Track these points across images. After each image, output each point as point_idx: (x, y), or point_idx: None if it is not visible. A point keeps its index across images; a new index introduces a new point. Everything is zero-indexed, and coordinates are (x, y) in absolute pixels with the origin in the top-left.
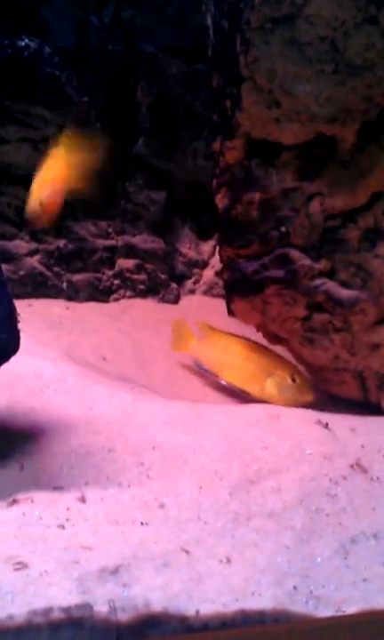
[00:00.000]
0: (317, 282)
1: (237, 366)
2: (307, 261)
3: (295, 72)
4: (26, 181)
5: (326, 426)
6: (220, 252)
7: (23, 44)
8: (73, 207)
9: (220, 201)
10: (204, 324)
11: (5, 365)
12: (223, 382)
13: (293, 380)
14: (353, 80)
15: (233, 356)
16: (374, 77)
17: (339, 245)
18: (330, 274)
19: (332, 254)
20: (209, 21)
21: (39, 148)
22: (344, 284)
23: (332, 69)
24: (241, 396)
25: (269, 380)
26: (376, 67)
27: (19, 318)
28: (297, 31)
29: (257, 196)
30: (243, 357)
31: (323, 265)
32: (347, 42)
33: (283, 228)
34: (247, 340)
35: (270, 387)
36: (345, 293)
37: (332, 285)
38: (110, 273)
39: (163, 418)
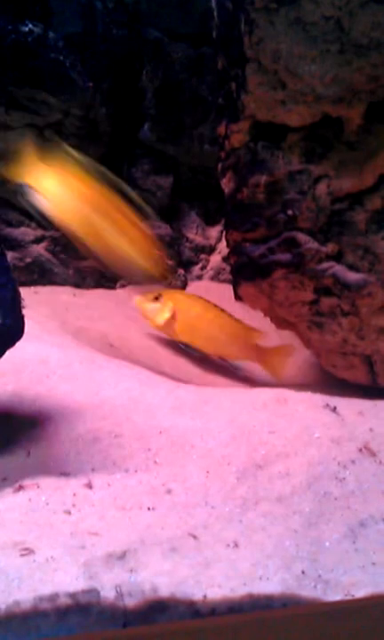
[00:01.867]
0: (325, 265)
1: None
2: (314, 245)
3: (300, 52)
4: None
5: (334, 410)
6: (226, 236)
7: (27, 29)
8: None
9: (226, 185)
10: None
11: (11, 352)
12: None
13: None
14: (359, 60)
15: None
16: (380, 57)
17: (346, 228)
18: (337, 257)
19: (340, 237)
20: (213, 3)
21: (44, 135)
22: (351, 268)
23: (337, 49)
24: (247, 380)
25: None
26: (382, 46)
27: (24, 304)
28: (302, 11)
29: (263, 179)
30: None
31: (330, 248)
32: (352, 21)
33: (289, 212)
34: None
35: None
36: (352, 277)
37: (339, 269)
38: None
39: (170, 403)
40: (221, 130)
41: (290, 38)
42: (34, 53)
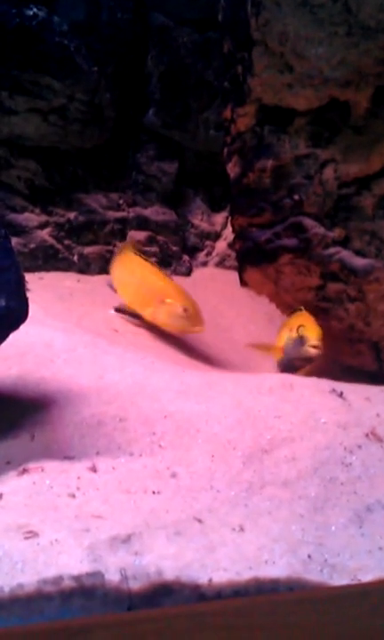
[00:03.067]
0: (331, 250)
1: (135, 288)
2: (320, 230)
3: (307, 35)
4: (36, 153)
5: (341, 395)
6: (232, 221)
7: (31, 13)
8: (83, 179)
9: (232, 169)
10: (130, 242)
11: (16, 335)
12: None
13: (185, 311)
14: (366, 42)
15: (135, 278)
16: None
17: (353, 213)
18: (344, 242)
19: (346, 222)
20: None
21: (48, 119)
22: (358, 253)
23: (344, 32)
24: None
25: (162, 307)
26: None
27: (28, 288)
28: None
29: (269, 163)
30: (141, 281)
31: (337, 233)
32: (360, 3)
33: (296, 196)
34: (153, 267)
35: (161, 313)
36: (359, 262)
37: (346, 254)
38: (122, 245)
39: (175, 387)
40: (227, 114)
41: (297, 20)
42: (38, 37)
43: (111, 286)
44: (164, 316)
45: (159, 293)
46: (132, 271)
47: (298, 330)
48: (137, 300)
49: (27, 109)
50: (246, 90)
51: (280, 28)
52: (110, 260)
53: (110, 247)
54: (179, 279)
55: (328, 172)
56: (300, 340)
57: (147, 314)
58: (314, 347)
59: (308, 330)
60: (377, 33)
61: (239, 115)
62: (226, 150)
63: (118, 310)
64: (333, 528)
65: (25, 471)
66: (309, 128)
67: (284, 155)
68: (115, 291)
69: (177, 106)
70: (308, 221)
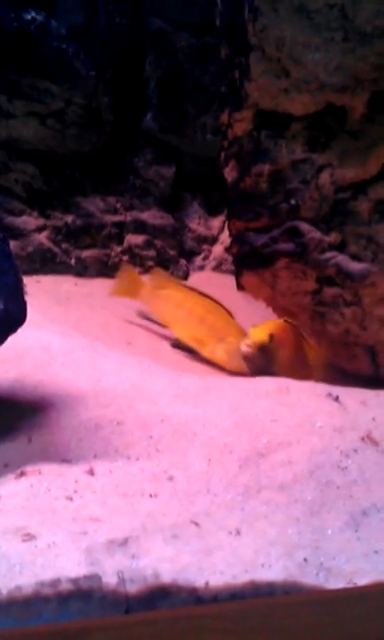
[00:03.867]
0: (328, 255)
1: (191, 324)
2: (317, 234)
3: (304, 40)
4: (34, 157)
5: (337, 399)
6: (228, 225)
7: (29, 17)
8: (81, 183)
9: (229, 174)
10: (157, 269)
11: (13, 339)
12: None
13: None
14: (363, 48)
15: (188, 313)
16: None
17: (349, 218)
18: (340, 247)
19: (343, 227)
20: None
21: (46, 123)
22: (354, 257)
23: (341, 37)
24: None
25: (221, 345)
26: None
27: (26, 292)
28: None
29: (266, 167)
30: (197, 317)
31: (333, 238)
32: (356, 9)
33: (292, 201)
34: (202, 296)
35: (220, 351)
36: (355, 266)
37: (342, 258)
38: (119, 249)
39: (172, 391)
40: (224, 118)
41: (294, 26)
42: (36, 42)
43: (144, 315)
44: (223, 354)
45: (219, 331)
46: (181, 305)
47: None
48: (195, 337)
49: (25, 113)
50: (243, 95)
51: (277, 34)
52: (108, 263)
53: (108, 251)
54: None
55: (324, 177)
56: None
57: (206, 351)
58: (247, 345)
59: (255, 331)
60: (373, 39)
61: (236, 119)
62: (223, 155)
63: (175, 346)
64: (329, 531)
65: (22, 474)
66: (306, 133)
67: (281, 159)
68: (147, 318)
69: (174, 110)
70: (304, 226)
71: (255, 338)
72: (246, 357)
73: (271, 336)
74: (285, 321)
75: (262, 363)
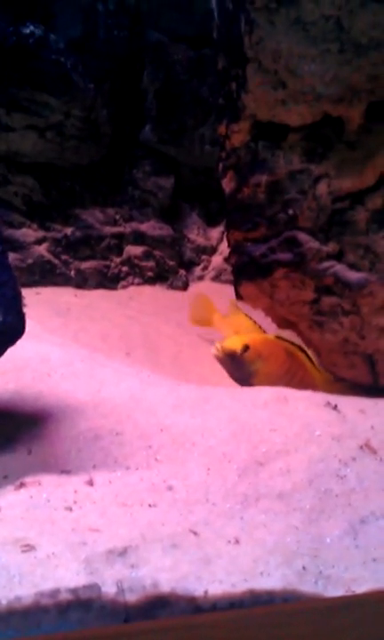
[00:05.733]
0: (326, 264)
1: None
2: (315, 244)
3: (300, 52)
4: (33, 169)
5: (335, 407)
6: (227, 235)
7: (28, 31)
8: (80, 195)
9: (227, 184)
10: (233, 300)
11: (13, 350)
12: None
13: None
14: (359, 59)
15: (284, 371)
16: (380, 56)
17: (347, 227)
18: (338, 256)
19: (340, 236)
20: (213, 3)
21: (45, 136)
22: (352, 267)
23: (337, 49)
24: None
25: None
26: (382, 45)
27: (26, 305)
28: (302, 10)
29: (264, 178)
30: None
31: (331, 247)
32: (352, 20)
33: (290, 211)
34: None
35: None
36: (353, 276)
37: (340, 268)
38: (118, 260)
39: (171, 401)
40: (222, 130)
41: (290, 38)
42: (35, 55)
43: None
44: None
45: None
46: (280, 363)
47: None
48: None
49: (24, 126)
50: (240, 106)
51: (273, 46)
52: (107, 274)
53: (107, 262)
54: (175, 293)
55: (322, 187)
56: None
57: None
58: (216, 348)
59: (232, 338)
60: (369, 50)
61: (233, 131)
62: (221, 165)
63: None
64: (328, 540)
65: (22, 485)
66: (303, 143)
67: (279, 170)
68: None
69: (173, 122)
70: (302, 236)
71: (226, 344)
72: (218, 361)
73: (245, 346)
74: (278, 337)
75: (234, 371)
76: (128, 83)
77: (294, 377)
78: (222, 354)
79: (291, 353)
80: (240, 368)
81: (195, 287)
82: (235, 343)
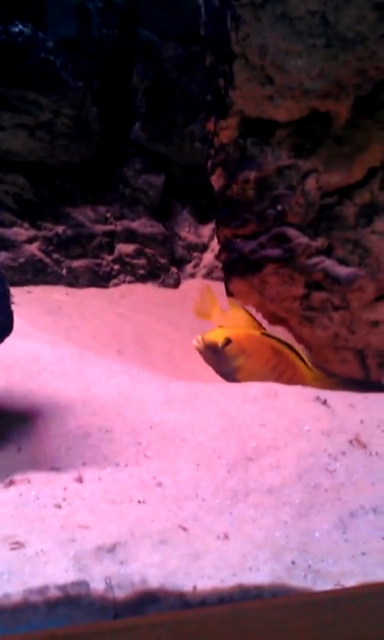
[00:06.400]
0: (315, 260)
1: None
2: (304, 239)
3: (287, 47)
4: (23, 168)
5: (325, 402)
6: (217, 232)
7: (17, 29)
8: (71, 193)
9: (216, 181)
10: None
11: (2, 348)
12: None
13: None
14: (345, 54)
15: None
16: (366, 50)
17: (335, 222)
18: (327, 251)
19: (329, 232)
20: (201, 0)
21: (35, 134)
22: (342, 262)
23: (323, 43)
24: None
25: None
26: (368, 39)
27: (17, 303)
28: (287, 6)
29: (252, 174)
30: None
31: (320, 243)
32: (337, 15)
33: (279, 207)
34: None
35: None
36: (343, 271)
37: (329, 263)
38: (110, 258)
39: (160, 398)
40: (210, 126)
41: (276, 33)
42: (24, 54)
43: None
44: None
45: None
46: (265, 360)
47: None
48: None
49: (13, 125)
50: (228, 102)
51: (260, 42)
52: (99, 272)
53: (99, 260)
54: (167, 291)
55: (310, 183)
56: None
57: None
58: (196, 339)
59: (215, 330)
60: (355, 44)
61: (222, 127)
62: (209, 162)
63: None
64: (317, 534)
65: (11, 483)
66: (291, 139)
67: (267, 166)
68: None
69: (162, 119)
70: (291, 231)
71: (207, 336)
72: (199, 352)
73: (227, 340)
74: (263, 334)
75: (217, 365)
76: (118, 81)
77: (282, 375)
78: (203, 345)
79: (277, 350)
80: (222, 362)
81: (186, 284)
82: (216, 336)
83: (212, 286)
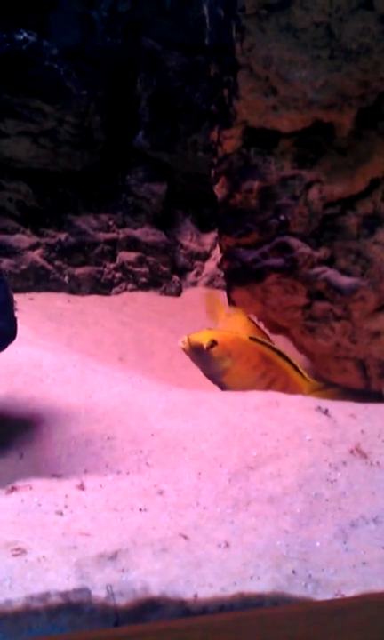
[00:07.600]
0: (317, 270)
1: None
2: (306, 249)
3: (291, 58)
4: (26, 175)
5: (326, 412)
6: (219, 241)
7: (21, 37)
8: (73, 201)
9: (219, 190)
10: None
11: (5, 355)
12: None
13: None
14: (349, 65)
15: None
16: (370, 62)
17: (338, 233)
18: (329, 261)
19: (332, 242)
20: (205, 10)
21: (39, 142)
22: (344, 272)
23: (327, 55)
24: None
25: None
26: (372, 51)
27: (19, 310)
28: (292, 17)
29: (255, 184)
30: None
31: (322, 253)
32: (342, 27)
33: (282, 217)
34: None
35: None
36: (345, 281)
37: (331, 273)
38: (112, 266)
39: (162, 406)
40: (214, 136)
41: (281, 44)
42: (28, 62)
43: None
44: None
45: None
46: (253, 365)
47: None
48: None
49: (17, 132)
50: (232, 112)
51: (264, 52)
52: (101, 280)
53: (101, 268)
54: (168, 299)
55: (313, 193)
56: None
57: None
58: (182, 340)
59: (203, 332)
60: (359, 56)
61: (225, 137)
62: (213, 172)
63: None
64: (318, 544)
65: (13, 489)
66: (294, 149)
67: (270, 176)
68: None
69: (166, 128)
70: (293, 241)
71: (193, 337)
72: (185, 353)
73: (212, 342)
74: (252, 338)
75: (203, 367)
76: (121, 89)
77: (274, 383)
78: (188, 346)
79: (267, 357)
80: (208, 364)
81: (188, 293)
82: (202, 337)
83: (214, 295)
